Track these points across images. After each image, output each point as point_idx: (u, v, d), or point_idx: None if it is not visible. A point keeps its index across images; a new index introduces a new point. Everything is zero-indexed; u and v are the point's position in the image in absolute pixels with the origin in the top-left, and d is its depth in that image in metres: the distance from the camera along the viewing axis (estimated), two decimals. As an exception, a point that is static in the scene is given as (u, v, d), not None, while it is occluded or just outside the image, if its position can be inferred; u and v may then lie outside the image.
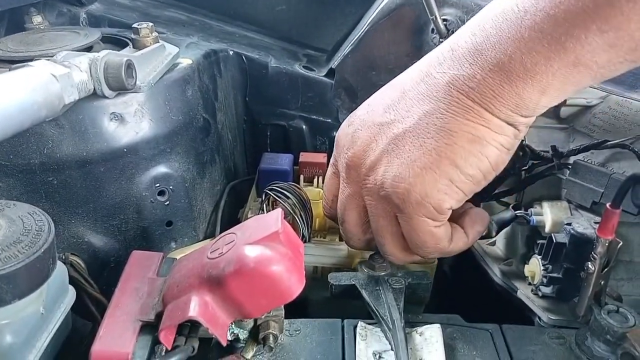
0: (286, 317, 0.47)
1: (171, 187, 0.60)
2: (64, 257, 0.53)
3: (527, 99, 0.39)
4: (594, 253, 0.41)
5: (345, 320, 0.47)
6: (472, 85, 0.39)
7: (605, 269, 0.42)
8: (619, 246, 0.41)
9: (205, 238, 0.65)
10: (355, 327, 0.46)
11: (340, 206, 0.50)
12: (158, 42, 0.62)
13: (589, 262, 0.42)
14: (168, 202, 0.60)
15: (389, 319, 0.44)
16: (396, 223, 0.46)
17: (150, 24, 0.62)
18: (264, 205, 0.59)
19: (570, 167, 0.59)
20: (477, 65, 0.39)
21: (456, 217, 0.48)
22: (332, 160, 0.52)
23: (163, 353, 0.38)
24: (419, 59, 0.45)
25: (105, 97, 0.52)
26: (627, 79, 0.50)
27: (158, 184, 0.59)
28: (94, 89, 0.50)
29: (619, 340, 0.41)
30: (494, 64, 0.38)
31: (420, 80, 0.43)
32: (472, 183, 0.42)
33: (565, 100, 0.64)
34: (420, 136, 0.41)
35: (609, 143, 0.57)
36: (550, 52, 0.36)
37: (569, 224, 0.55)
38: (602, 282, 0.43)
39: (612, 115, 0.62)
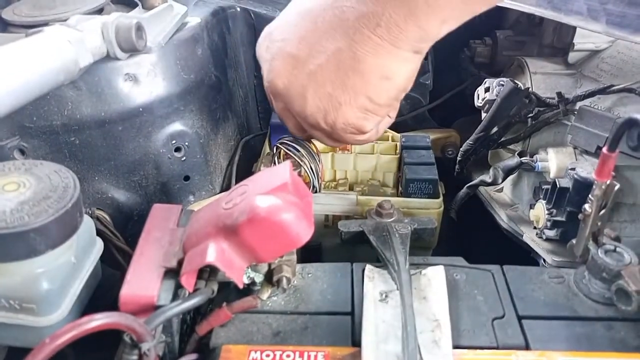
0: (301, 262, 0.50)
1: (187, 143, 0.62)
2: (90, 212, 0.57)
3: (429, 31, 0.42)
4: (591, 196, 0.43)
5: (354, 264, 0.49)
6: (379, 22, 0.42)
7: (602, 211, 0.43)
8: (615, 189, 0.42)
9: (221, 191, 0.68)
10: (363, 269, 0.48)
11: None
12: (166, 1, 0.62)
13: (586, 204, 0.43)
14: (184, 158, 0.63)
15: (394, 261, 0.46)
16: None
17: (159, -17, 0.63)
18: (276, 158, 0.61)
19: (576, 113, 0.60)
20: (382, 2, 0.41)
21: None
22: None
23: (186, 295, 0.42)
24: None
25: (117, 59, 0.53)
26: (632, 22, 0.50)
27: (174, 141, 0.61)
28: (107, 51, 0.52)
29: (615, 277, 0.43)
30: (398, 0, 0.41)
31: (329, 9, 0.44)
32: (384, 108, 0.49)
33: (573, 45, 0.64)
34: (337, 73, 0.45)
35: (614, 88, 0.57)
36: None
37: (573, 169, 0.56)
38: (599, 224, 0.44)
39: (621, 59, 0.62)
